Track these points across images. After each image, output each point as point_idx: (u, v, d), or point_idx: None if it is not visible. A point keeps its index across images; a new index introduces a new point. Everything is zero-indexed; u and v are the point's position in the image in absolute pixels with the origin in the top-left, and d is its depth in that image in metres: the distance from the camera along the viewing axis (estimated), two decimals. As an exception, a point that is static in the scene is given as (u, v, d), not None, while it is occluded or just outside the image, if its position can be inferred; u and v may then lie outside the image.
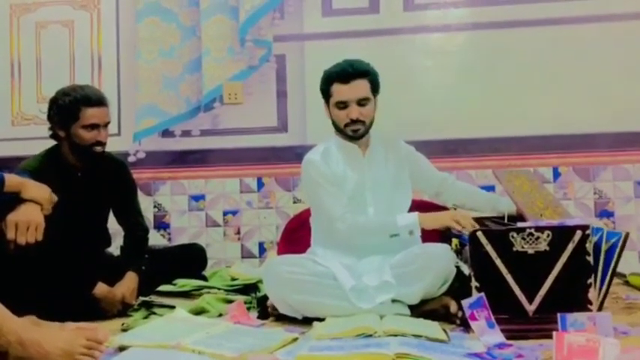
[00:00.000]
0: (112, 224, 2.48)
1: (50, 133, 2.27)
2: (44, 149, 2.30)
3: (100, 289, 2.13)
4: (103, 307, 2.13)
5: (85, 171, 2.30)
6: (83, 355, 1.43)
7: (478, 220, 2.01)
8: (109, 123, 2.28)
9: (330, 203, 2.07)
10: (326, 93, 2.15)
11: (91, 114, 2.19)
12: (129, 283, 2.24)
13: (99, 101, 2.23)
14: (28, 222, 1.72)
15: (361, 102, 2.10)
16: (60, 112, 2.20)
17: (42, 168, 2.20)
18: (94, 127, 2.20)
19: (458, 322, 1.84)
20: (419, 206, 2.22)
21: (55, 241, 2.12)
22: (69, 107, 2.19)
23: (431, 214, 2.04)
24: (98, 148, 2.24)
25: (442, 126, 2.99)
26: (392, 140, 2.28)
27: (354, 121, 2.10)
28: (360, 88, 2.09)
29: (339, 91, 2.10)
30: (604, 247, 1.80)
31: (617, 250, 1.79)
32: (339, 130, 2.16)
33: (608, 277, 1.80)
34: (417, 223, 1.99)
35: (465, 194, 2.27)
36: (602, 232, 1.82)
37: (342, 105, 2.10)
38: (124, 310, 2.17)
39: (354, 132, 2.12)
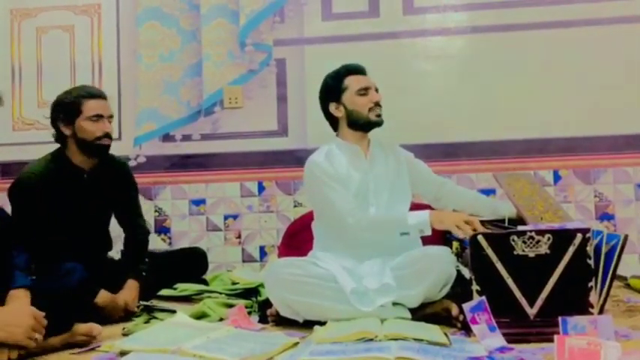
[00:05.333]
0: (113, 230, 2.49)
1: (55, 136, 2.28)
2: (48, 153, 2.31)
3: (103, 297, 2.13)
4: (106, 314, 2.12)
5: (91, 172, 2.31)
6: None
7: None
8: (112, 117, 2.31)
9: (337, 199, 2.08)
10: (338, 90, 2.20)
11: (93, 105, 2.24)
12: (130, 290, 2.24)
13: (99, 94, 2.29)
14: None
15: (377, 91, 2.21)
16: (64, 110, 2.23)
17: (48, 171, 2.22)
18: (98, 118, 2.23)
19: (459, 325, 1.84)
20: (418, 210, 2.22)
21: (59, 244, 2.13)
22: (72, 103, 2.23)
23: (439, 213, 2.03)
24: (105, 140, 2.26)
25: (442, 129, 3.00)
26: (391, 145, 2.31)
27: (377, 105, 2.18)
28: (372, 79, 2.22)
29: (358, 79, 2.20)
30: (604, 250, 1.80)
31: (617, 252, 1.78)
32: (360, 122, 2.18)
33: (608, 280, 1.80)
34: (428, 223, 1.97)
35: (464, 199, 2.26)
36: (602, 234, 1.82)
37: (364, 91, 2.18)
38: (126, 316, 2.17)
39: (377, 116, 2.18)
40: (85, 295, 2.02)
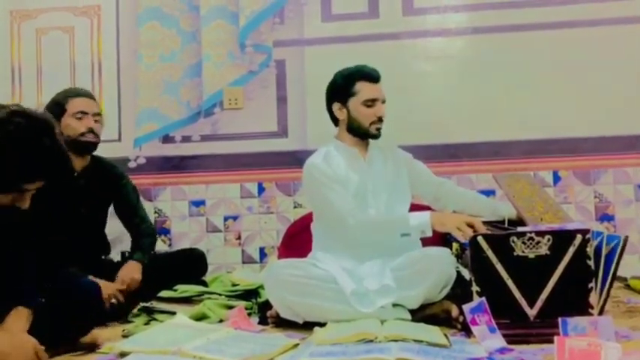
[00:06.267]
0: (112, 232, 2.49)
1: None
2: None
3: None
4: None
5: (82, 172, 2.33)
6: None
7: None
8: (99, 115, 2.35)
9: (337, 200, 2.07)
10: (346, 91, 2.16)
11: (77, 102, 2.30)
12: (128, 268, 2.27)
13: (85, 93, 2.36)
14: None
15: (383, 102, 2.17)
16: (50, 110, 2.26)
17: None
18: (82, 114, 2.28)
19: (459, 326, 1.84)
20: (418, 210, 2.21)
21: (53, 244, 2.13)
22: (57, 101, 2.30)
23: (440, 215, 2.02)
24: (89, 136, 2.29)
25: (442, 130, 2.99)
26: (390, 146, 2.30)
27: (379, 120, 2.14)
28: (382, 89, 2.17)
29: (369, 89, 2.14)
30: (604, 251, 1.80)
31: (617, 253, 1.78)
32: (359, 130, 2.17)
33: (608, 281, 1.80)
34: (429, 224, 1.96)
35: (463, 199, 2.26)
36: (603, 235, 1.82)
37: (371, 103, 2.14)
38: (123, 308, 2.17)
39: (377, 130, 2.16)
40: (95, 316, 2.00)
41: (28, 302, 1.57)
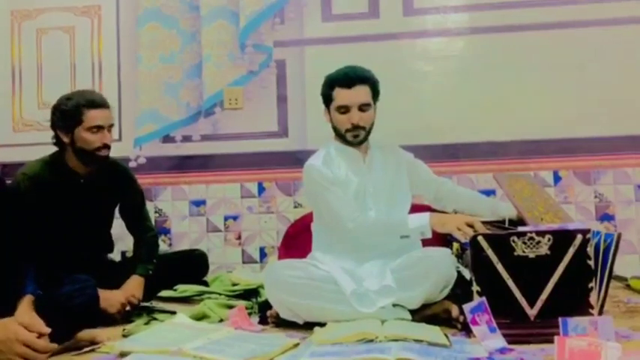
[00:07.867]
0: (113, 232, 2.49)
1: (54, 140, 2.26)
2: (47, 154, 2.30)
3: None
4: (103, 308, 2.10)
5: (88, 177, 2.30)
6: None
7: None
8: (112, 126, 2.28)
9: (337, 204, 2.07)
10: (327, 97, 2.16)
11: (94, 115, 2.19)
12: (134, 283, 2.25)
13: (101, 103, 2.23)
14: None
15: (362, 107, 2.11)
16: (63, 117, 2.19)
17: (44, 173, 2.21)
18: (98, 129, 2.20)
19: (459, 326, 1.84)
20: (418, 211, 2.21)
21: (55, 247, 2.13)
22: (72, 111, 2.18)
23: (440, 216, 2.02)
24: (104, 151, 2.23)
25: (442, 130, 2.99)
26: (390, 146, 2.30)
27: (354, 127, 2.11)
28: (361, 93, 2.11)
29: (341, 95, 2.11)
30: (602, 250, 1.80)
31: (612, 251, 1.78)
32: (340, 135, 2.17)
33: (605, 279, 1.80)
34: (429, 226, 1.97)
35: (464, 199, 2.26)
36: (600, 235, 1.82)
37: (344, 109, 2.11)
38: (127, 314, 2.17)
39: (354, 137, 2.14)
40: (92, 312, 2.01)
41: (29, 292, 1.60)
